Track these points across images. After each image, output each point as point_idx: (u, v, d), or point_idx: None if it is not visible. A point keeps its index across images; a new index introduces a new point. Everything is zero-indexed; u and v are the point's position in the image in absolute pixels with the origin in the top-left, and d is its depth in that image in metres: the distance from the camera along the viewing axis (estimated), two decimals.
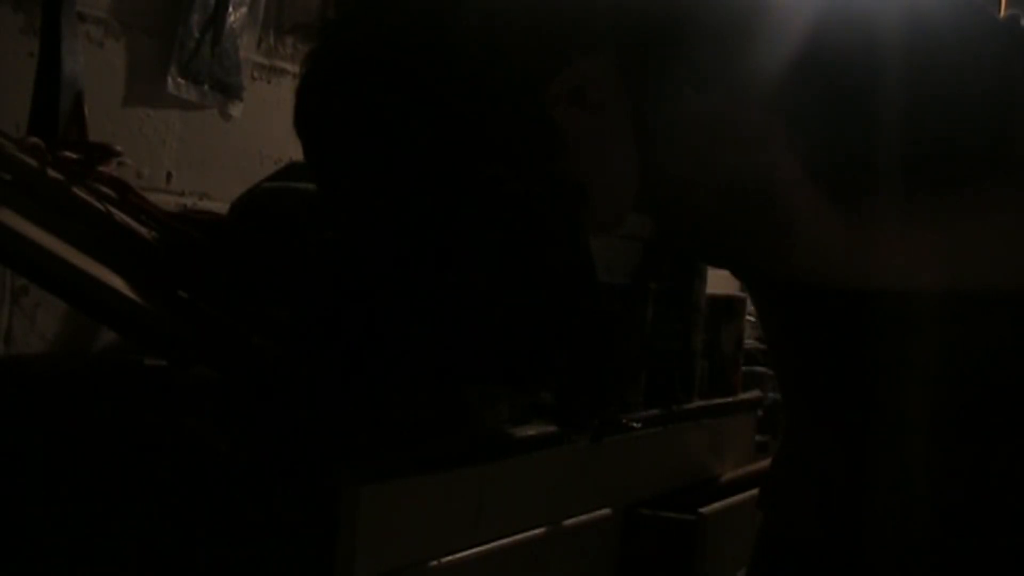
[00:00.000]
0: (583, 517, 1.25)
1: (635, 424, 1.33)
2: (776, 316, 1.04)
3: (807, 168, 0.83)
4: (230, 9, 1.57)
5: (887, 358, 0.87)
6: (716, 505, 1.42)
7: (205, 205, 1.56)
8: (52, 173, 1.05)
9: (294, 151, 0.97)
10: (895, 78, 0.82)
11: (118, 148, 1.15)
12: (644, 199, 0.94)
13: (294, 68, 1.70)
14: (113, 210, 1.08)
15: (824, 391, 0.96)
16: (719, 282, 1.57)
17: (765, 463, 1.52)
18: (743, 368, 1.68)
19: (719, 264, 1.29)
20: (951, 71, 0.85)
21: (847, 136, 0.82)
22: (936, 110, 0.83)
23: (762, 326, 1.13)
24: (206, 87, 1.57)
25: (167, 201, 1.48)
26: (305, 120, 0.92)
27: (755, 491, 1.40)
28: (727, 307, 1.62)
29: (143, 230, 1.10)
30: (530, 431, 1.15)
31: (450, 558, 1.03)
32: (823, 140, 0.82)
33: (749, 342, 1.73)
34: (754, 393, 1.71)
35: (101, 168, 1.11)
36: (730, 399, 1.63)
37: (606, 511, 1.30)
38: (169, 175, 1.53)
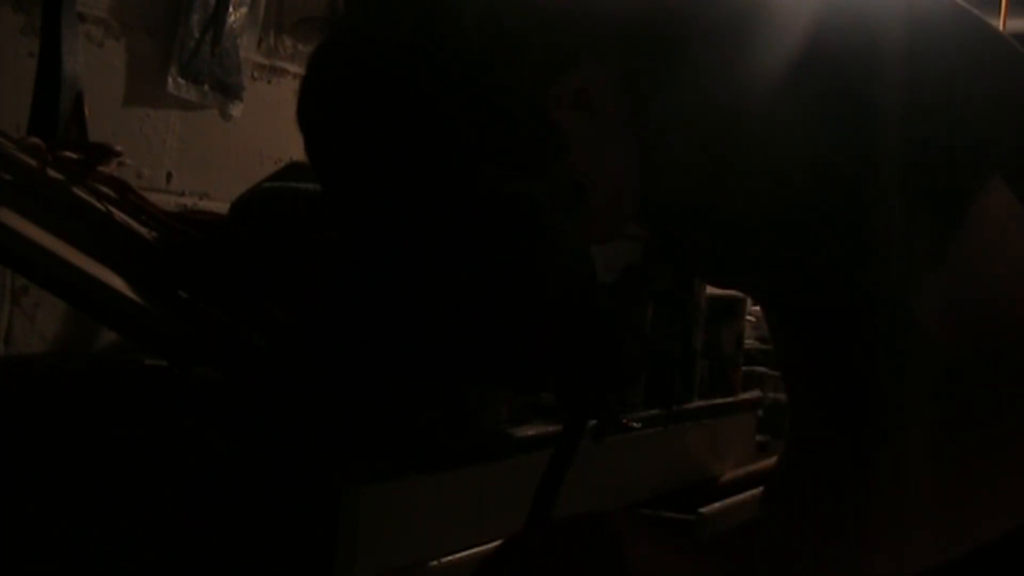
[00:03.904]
0: None
1: (635, 424, 1.33)
2: (786, 327, 1.04)
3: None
4: (230, 9, 1.57)
5: (896, 362, 0.86)
6: (716, 505, 1.42)
7: (205, 205, 1.56)
8: (52, 173, 1.05)
9: (294, 151, 0.97)
10: (895, 80, 0.82)
11: (118, 148, 1.15)
12: (648, 214, 0.95)
13: (294, 68, 1.70)
14: (113, 210, 1.08)
15: (831, 392, 0.96)
16: None
17: (765, 463, 1.52)
18: (743, 368, 1.68)
19: (725, 284, 1.29)
20: (952, 74, 0.85)
21: (847, 138, 0.82)
22: (936, 114, 0.83)
23: (770, 331, 1.13)
24: (206, 87, 1.57)
25: (167, 201, 1.48)
26: (308, 115, 0.93)
27: (755, 491, 1.41)
28: (727, 307, 1.62)
29: (143, 230, 1.10)
30: (530, 431, 1.15)
31: (450, 558, 1.03)
32: (823, 142, 0.82)
33: (749, 342, 1.73)
34: (754, 393, 1.71)
35: (101, 168, 1.11)
36: (730, 399, 1.63)
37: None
38: (169, 175, 1.54)
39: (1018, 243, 0.83)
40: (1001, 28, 3.00)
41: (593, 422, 1.14)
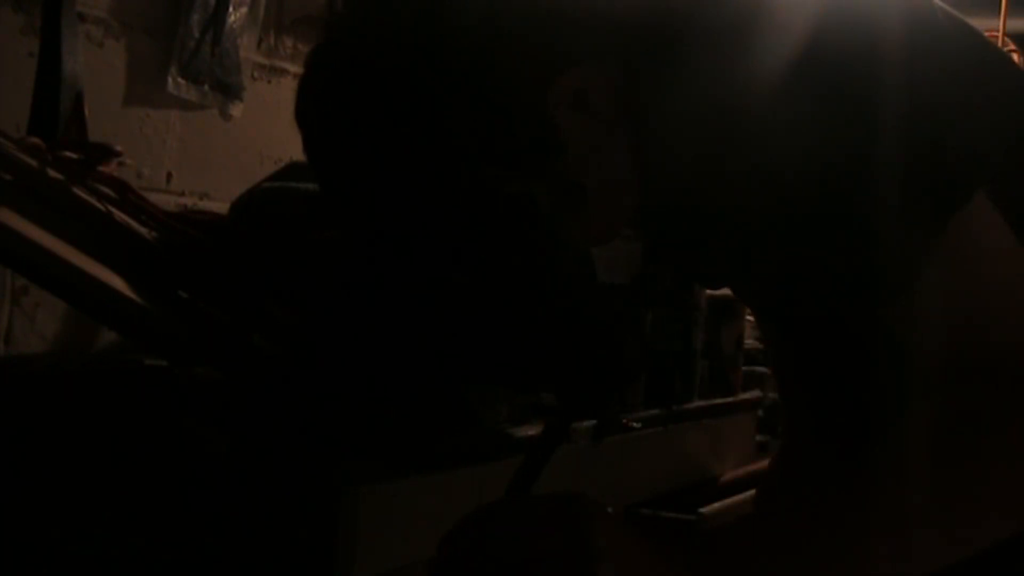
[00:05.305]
0: None
1: (635, 424, 1.33)
2: (780, 328, 1.04)
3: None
4: (230, 9, 1.57)
5: (893, 364, 0.86)
6: (716, 505, 1.42)
7: (205, 205, 1.56)
8: (52, 173, 1.05)
9: (294, 151, 0.97)
10: (895, 82, 0.82)
11: (118, 148, 1.15)
12: (646, 215, 0.94)
13: (294, 68, 1.70)
14: (113, 210, 1.08)
15: (824, 393, 0.96)
16: None
17: (765, 463, 1.52)
18: (743, 368, 1.68)
19: (719, 286, 1.29)
20: (952, 78, 0.85)
21: (846, 140, 0.82)
22: (936, 118, 0.83)
23: (762, 332, 1.13)
24: (206, 87, 1.57)
25: (167, 201, 1.48)
26: (307, 114, 0.93)
27: (755, 491, 1.40)
28: (727, 307, 1.62)
29: (143, 230, 1.10)
30: (530, 431, 1.15)
31: None
32: (822, 143, 0.82)
33: (749, 342, 1.73)
34: (754, 393, 1.71)
35: (101, 168, 1.11)
36: (730, 399, 1.63)
37: (619, 518, 1.30)
38: (169, 175, 1.54)
39: (1002, 252, 0.84)
40: (1001, 28, 3.00)
41: (593, 422, 1.14)
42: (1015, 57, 3.13)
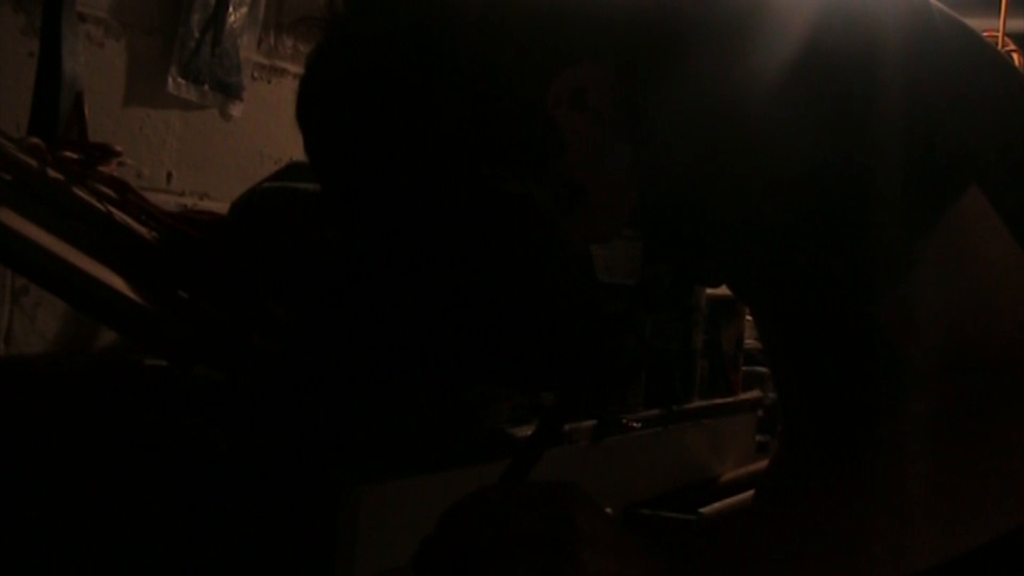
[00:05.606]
0: None
1: (635, 424, 1.33)
2: (776, 328, 1.04)
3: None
4: (230, 9, 1.57)
5: (891, 360, 0.86)
6: (716, 505, 1.42)
7: (205, 205, 1.56)
8: (52, 173, 1.05)
9: (294, 151, 0.97)
10: (894, 83, 0.82)
11: (118, 148, 1.15)
12: (644, 215, 0.95)
13: (294, 68, 1.70)
14: (113, 210, 1.08)
15: (821, 391, 0.96)
16: None
17: (765, 463, 1.52)
18: (743, 368, 1.68)
19: (717, 285, 1.29)
20: (950, 78, 0.85)
21: (843, 140, 0.82)
22: (934, 118, 0.83)
23: (761, 332, 1.13)
24: (206, 87, 1.57)
25: (167, 201, 1.48)
26: (307, 114, 0.93)
27: (755, 491, 1.40)
28: (727, 307, 1.62)
29: (143, 230, 1.10)
30: (530, 431, 1.15)
31: None
32: (819, 144, 0.82)
33: (749, 342, 1.73)
34: (754, 393, 1.71)
35: (101, 168, 1.11)
36: (730, 399, 1.63)
37: (606, 511, 1.30)
38: (169, 175, 1.54)
39: (999, 252, 0.84)
40: (1001, 28, 3.00)
41: (593, 422, 1.14)
42: (1015, 57, 3.13)
